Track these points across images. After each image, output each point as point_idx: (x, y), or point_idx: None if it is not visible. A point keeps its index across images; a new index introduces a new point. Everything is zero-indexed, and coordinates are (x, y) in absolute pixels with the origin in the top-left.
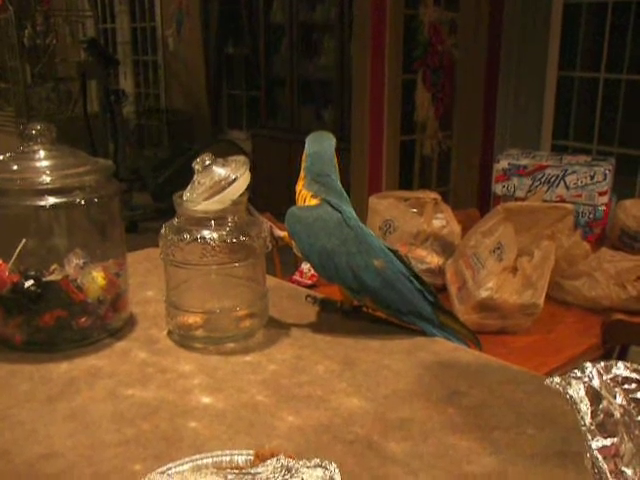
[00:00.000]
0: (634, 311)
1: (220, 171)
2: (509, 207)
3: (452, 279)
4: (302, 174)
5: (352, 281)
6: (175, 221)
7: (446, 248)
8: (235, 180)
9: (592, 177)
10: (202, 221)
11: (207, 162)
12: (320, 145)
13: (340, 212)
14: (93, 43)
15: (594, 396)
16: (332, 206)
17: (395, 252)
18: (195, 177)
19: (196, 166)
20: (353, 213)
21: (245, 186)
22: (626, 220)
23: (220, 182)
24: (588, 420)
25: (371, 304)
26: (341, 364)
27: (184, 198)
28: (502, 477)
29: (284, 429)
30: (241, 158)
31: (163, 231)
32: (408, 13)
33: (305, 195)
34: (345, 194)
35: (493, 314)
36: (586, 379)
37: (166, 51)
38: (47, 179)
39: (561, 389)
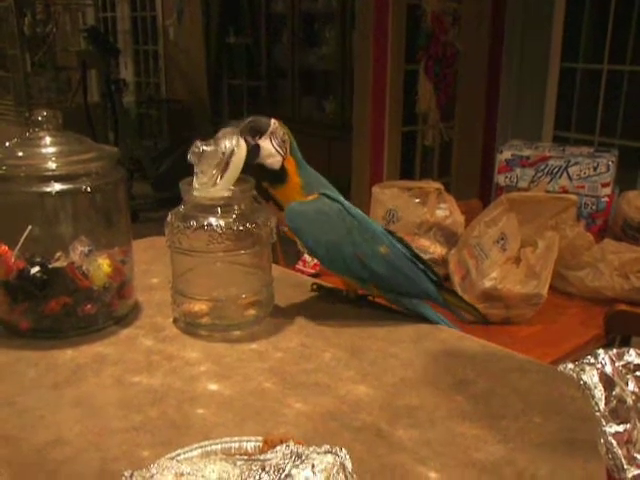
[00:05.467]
0: (637, 302)
1: (215, 149)
2: (512, 197)
3: (455, 269)
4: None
5: (361, 271)
6: (181, 208)
7: (449, 238)
8: (233, 149)
9: (595, 168)
10: (208, 208)
11: (201, 148)
12: (297, 150)
13: (339, 202)
14: (93, 32)
15: (607, 382)
16: (330, 198)
17: (393, 234)
18: (195, 169)
19: (192, 158)
20: (349, 203)
21: (245, 152)
22: (629, 211)
23: (221, 157)
24: (602, 406)
25: (375, 290)
26: (347, 352)
27: (194, 188)
28: (510, 465)
29: (291, 416)
30: (227, 129)
31: (169, 218)
32: (411, 3)
33: (294, 191)
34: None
35: (496, 304)
36: (599, 365)
37: (167, 40)
38: (53, 166)
39: (575, 375)
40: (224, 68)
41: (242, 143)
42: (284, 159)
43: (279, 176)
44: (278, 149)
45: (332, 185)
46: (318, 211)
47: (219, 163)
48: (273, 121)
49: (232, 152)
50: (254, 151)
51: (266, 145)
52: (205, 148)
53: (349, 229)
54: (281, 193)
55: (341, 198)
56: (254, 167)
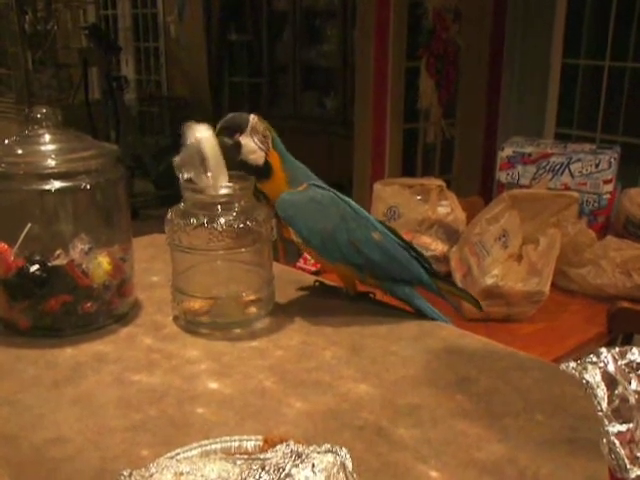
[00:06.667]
0: (639, 299)
1: (187, 152)
2: (514, 194)
3: (457, 266)
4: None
5: (356, 257)
6: (181, 205)
7: (451, 235)
8: (200, 141)
9: (597, 165)
10: (208, 206)
11: (178, 159)
12: (281, 143)
13: (330, 191)
14: (94, 29)
15: (610, 381)
16: (320, 187)
17: (384, 224)
18: (189, 177)
19: (179, 172)
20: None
21: (211, 137)
22: (631, 208)
23: (195, 156)
24: (605, 405)
25: (372, 280)
26: (348, 350)
27: (202, 191)
28: (511, 464)
29: (292, 415)
30: (186, 125)
31: (169, 216)
32: (412, 0)
33: (280, 185)
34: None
35: (498, 301)
36: (602, 364)
37: (168, 37)
38: (52, 163)
39: (577, 374)
40: (225, 65)
41: (203, 129)
42: (267, 154)
43: (264, 171)
44: (260, 145)
45: (332, 182)
46: (310, 200)
47: (200, 161)
48: (252, 116)
49: (198, 143)
50: (233, 149)
51: (247, 142)
52: (181, 157)
53: (342, 216)
54: (268, 188)
55: (329, 188)
56: (238, 164)
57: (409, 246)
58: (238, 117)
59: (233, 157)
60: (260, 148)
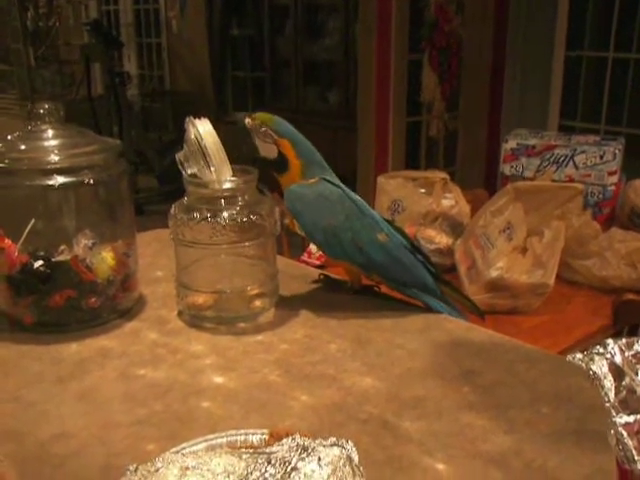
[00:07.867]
0: None
1: (189, 147)
2: (518, 187)
3: (461, 259)
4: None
5: (359, 257)
6: (185, 200)
7: (455, 228)
8: (199, 135)
9: (602, 157)
10: (212, 200)
11: (181, 155)
12: (287, 126)
13: (339, 187)
14: (96, 25)
15: (617, 372)
16: (330, 183)
17: (391, 224)
18: (192, 172)
19: (183, 168)
20: (347, 188)
21: (210, 129)
22: (636, 200)
23: (198, 151)
24: (612, 396)
25: (378, 279)
26: (353, 343)
27: (206, 185)
28: (518, 456)
29: (297, 408)
30: (187, 119)
31: (173, 210)
32: None
33: (295, 175)
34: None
35: (503, 294)
36: (608, 355)
37: (170, 33)
38: (55, 158)
39: (584, 365)
40: (228, 60)
41: (200, 122)
42: (277, 145)
43: (281, 164)
44: (265, 139)
45: (336, 175)
46: (319, 195)
47: (203, 155)
48: (247, 120)
49: (199, 138)
50: (253, 150)
51: (257, 142)
52: (184, 152)
53: (348, 215)
54: (285, 180)
55: (340, 182)
56: (260, 163)
57: (416, 249)
58: (238, 127)
59: (253, 156)
60: (267, 142)
